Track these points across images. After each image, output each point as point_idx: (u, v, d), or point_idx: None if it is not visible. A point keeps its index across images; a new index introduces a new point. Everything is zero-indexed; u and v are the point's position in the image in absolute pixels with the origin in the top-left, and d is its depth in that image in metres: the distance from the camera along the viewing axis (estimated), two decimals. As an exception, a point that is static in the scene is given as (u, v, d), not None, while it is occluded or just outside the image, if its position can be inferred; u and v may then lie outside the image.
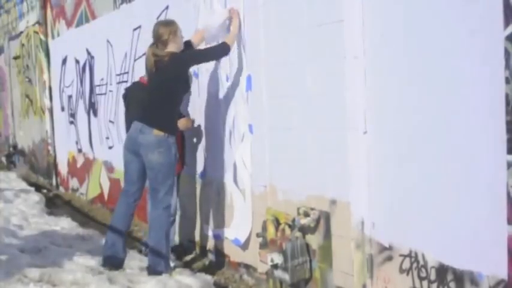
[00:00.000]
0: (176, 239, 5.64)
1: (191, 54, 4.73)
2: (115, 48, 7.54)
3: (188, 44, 4.82)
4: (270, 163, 4.38)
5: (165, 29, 4.65)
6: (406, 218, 3.31)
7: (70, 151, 9.85)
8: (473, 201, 2.89)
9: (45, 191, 10.24)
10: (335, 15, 3.63)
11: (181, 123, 5.11)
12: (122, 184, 5.01)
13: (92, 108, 8.56)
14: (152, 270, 4.68)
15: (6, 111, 15.18)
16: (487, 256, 2.83)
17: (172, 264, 5.07)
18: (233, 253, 5.03)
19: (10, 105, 14.62)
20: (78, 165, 9.43)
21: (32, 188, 9.64)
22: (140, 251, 5.64)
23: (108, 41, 7.75)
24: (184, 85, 4.75)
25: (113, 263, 4.81)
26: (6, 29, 14.32)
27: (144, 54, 6.45)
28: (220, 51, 4.68)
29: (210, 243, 5.40)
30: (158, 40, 4.65)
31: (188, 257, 5.60)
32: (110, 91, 7.73)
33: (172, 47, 4.64)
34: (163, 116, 4.63)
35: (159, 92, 4.62)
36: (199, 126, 5.44)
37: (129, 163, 4.79)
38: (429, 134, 3.12)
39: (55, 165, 10.90)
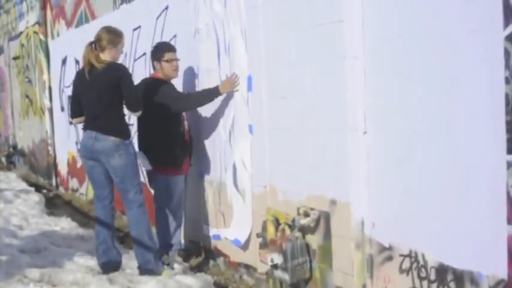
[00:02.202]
0: (182, 241, 5.60)
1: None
2: (115, 48, 7.52)
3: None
4: (270, 163, 4.38)
5: (108, 36, 4.83)
6: (406, 218, 3.31)
7: (70, 151, 9.85)
8: (473, 201, 2.89)
9: (45, 191, 10.24)
10: (335, 15, 3.63)
11: (225, 86, 4.79)
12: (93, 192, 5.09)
13: (92, 108, 8.54)
14: (142, 269, 4.69)
15: (6, 112, 15.17)
16: (487, 256, 2.83)
17: (178, 266, 5.09)
18: (233, 253, 5.03)
19: (10, 106, 14.61)
20: (78, 165, 9.43)
21: (32, 189, 9.64)
22: None
23: (108, 41, 7.74)
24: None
25: (111, 267, 4.83)
26: (6, 30, 14.31)
27: (144, 54, 6.50)
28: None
29: (210, 244, 5.40)
30: (98, 43, 4.85)
31: (188, 257, 5.59)
32: (110, 91, 7.71)
33: (107, 56, 4.80)
34: (115, 122, 4.74)
35: (104, 100, 4.70)
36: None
37: (92, 169, 4.88)
38: (429, 134, 3.12)
39: (55, 165, 10.90)
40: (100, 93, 4.70)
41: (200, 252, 5.58)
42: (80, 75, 4.97)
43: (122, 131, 4.76)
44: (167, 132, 5.03)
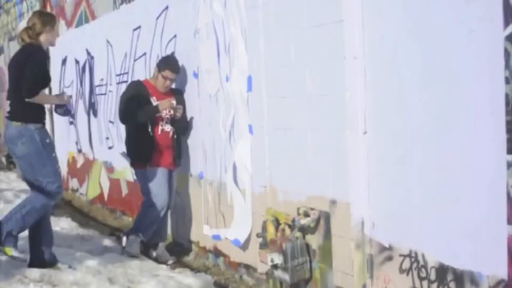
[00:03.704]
0: (169, 236, 5.78)
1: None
2: (115, 48, 7.54)
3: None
4: (270, 163, 4.38)
5: (38, 19, 4.59)
6: (406, 218, 3.31)
7: (70, 151, 9.85)
8: (473, 201, 2.89)
9: (45, 191, 10.22)
10: (335, 15, 3.63)
11: (162, 105, 5.29)
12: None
13: (92, 108, 8.55)
14: None
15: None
16: (487, 256, 2.83)
17: (170, 261, 5.16)
18: (233, 253, 5.03)
19: (10, 106, 14.60)
20: (78, 165, 9.43)
21: (32, 189, 9.62)
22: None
23: (108, 41, 7.75)
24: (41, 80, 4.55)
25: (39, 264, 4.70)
26: (6, 30, 14.31)
27: (144, 54, 6.51)
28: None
29: (210, 244, 5.40)
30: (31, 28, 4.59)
31: (188, 257, 5.60)
32: (110, 91, 7.72)
33: (43, 38, 4.58)
34: (19, 105, 4.47)
35: (14, 84, 4.53)
36: (190, 118, 5.52)
37: (18, 165, 4.67)
38: (429, 134, 3.12)
39: (55, 165, 10.88)
40: (14, 76, 4.53)
41: (194, 249, 5.60)
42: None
43: (23, 114, 4.43)
44: (132, 131, 5.44)
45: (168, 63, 5.41)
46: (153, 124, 5.34)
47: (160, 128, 5.38)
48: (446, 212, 3.04)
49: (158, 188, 5.36)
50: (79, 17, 9.04)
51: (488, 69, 2.75)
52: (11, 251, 4.47)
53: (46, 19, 4.65)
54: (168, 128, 5.41)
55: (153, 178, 5.36)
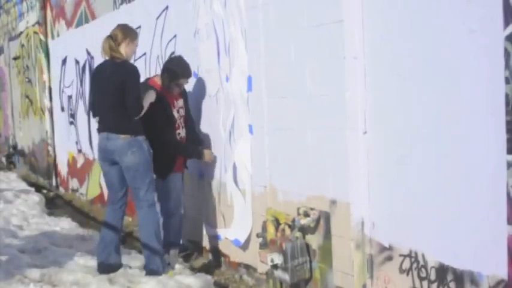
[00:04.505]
0: (181, 241, 5.59)
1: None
2: (115, 48, 7.52)
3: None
4: (270, 163, 4.38)
5: (120, 31, 4.80)
6: (406, 218, 3.31)
7: (70, 151, 9.85)
8: (473, 201, 2.89)
9: (45, 191, 10.24)
10: (335, 15, 3.63)
11: (207, 156, 5.19)
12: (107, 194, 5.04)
13: (92, 108, 8.55)
14: (149, 271, 4.69)
15: (6, 112, 15.18)
16: (487, 256, 2.83)
17: (178, 266, 5.10)
18: (233, 253, 5.03)
19: (10, 106, 14.62)
20: (78, 165, 9.43)
21: (32, 189, 9.64)
22: (140, 252, 5.64)
23: (108, 42, 7.74)
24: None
25: (107, 269, 4.80)
26: (6, 30, 14.31)
27: (144, 54, 6.50)
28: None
29: (210, 244, 5.40)
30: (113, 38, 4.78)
31: (188, 257, 5.59)
32: (110, 91, 7.71)
33: (123, 50, 4.77)
34: (125, 120, 4.69)
35: (114, 99, 4.68)
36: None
37: (107, 173, 4.88)
38: (429, 134, 3.12)
39: (55, 165, 10.90)
40: (111, 91, 4.70)
41: (200, 252, 5.58)
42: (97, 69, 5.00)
43: (131, 129, 4.70)
44: (157, 138, 5.01)
45: (184, 74, 5.20)
46: (172, 131, 5.18)
47: (177, 134, 5.22)
48: (446, 212, 3.04)
49: (177, 195, 5.25)
50: (79, 17, 9.04)
51: (488, 69, 2.75)
52: (171, 272, 4.80)
53: (127, 31, 4.86)
54: (183, 133, 5.27)
55: (175, 185, 5.23)
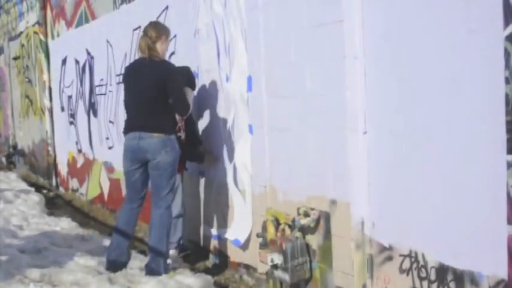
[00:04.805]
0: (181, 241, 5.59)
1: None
2: (115, 48, 7.54)
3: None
4: (270, 163, 4.38)
5: (153, 29, 4.75)
6: (406, 218, 3.32)
7: (70, 151, 9.85)
8: (473, 201, 2.89)
9: (45, 191, 10.24)
10: (335, 15, 3.63)
11: (207, 160, 5.26)
12: (124, 191, 4.99)
13: (92, 108, 8.56)
14: (150, 270, 4.68)
15: (6, 112, 15.17)
16: (487, 256, 2.83)
17: (177, 266, 5.08)
18: (233, 253, 5.03)
19: (10, 106, 14.61)
20: (78, 165, 9.44)
21: (32, 189, 9.63)
22: (141, 252, 5.64)
23: (108, 42, 7.75)
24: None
25: (116, 266, 4.81)
26: (6, 30, 14.31)
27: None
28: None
29: (210, 244, 5.40)
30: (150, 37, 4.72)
31: (188, 257, 5.59)
32: (110, 91, 7.73)
33: (159, 48, 4.72)
34: (161, 119, 4.65)
35: (152, 99, 4.64)
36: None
37: (132, 172, 4.80)
38: (429, 134, 3.12)
39: (55, 165, 10.90)
40: (148, 89, 4.65)
41: (200, 252, 5.58)
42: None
43: (165, 128, 4.65)
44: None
45: (193, 85, 5.21)
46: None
47: (179, 137, 5.17)
48: (446, 212, 3.04)
49: (177, 195, 5.26)
50: (79, 17, 9.04)
51: (488, 69, 2.75)
52: (172, 273, 4.70)
53: (161, 29, 4.82)
54: (184, 136, 5.29)
55: (177, 185, 5.23)
